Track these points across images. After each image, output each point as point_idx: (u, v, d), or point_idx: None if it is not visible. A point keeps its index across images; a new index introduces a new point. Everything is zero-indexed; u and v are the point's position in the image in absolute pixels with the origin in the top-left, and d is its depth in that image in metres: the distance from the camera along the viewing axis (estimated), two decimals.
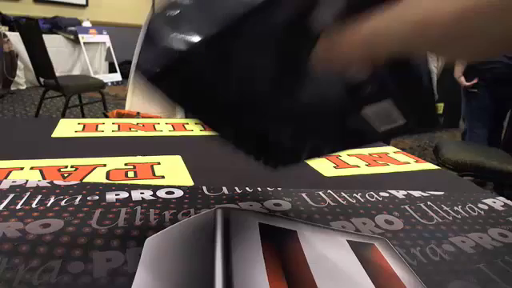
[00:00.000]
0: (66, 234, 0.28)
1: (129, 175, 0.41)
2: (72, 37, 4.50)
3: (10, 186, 0.35)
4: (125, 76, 4.69)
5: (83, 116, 3.11)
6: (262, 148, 0.28)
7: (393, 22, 0.17)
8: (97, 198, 0.35)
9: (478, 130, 2.12)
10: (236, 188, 0.39)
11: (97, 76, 4.16)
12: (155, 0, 4.48)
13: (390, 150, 0.62)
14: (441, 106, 3.70)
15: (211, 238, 0.29)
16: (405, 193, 0.42)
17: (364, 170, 0.50)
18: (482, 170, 1.55)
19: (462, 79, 2.18)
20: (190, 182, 0.40)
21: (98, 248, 0.27)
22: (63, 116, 2.68)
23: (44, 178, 0.39)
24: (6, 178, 0.38)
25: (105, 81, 3.20)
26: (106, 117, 2.58)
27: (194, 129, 0.64)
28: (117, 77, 4.92)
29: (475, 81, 2.11)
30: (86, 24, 4.78)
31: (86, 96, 3.39)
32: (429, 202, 0.40)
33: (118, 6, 5.52)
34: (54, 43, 4.18)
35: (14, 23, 3.90)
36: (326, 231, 0.32)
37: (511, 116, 2.17)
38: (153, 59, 0.20)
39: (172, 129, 0.64)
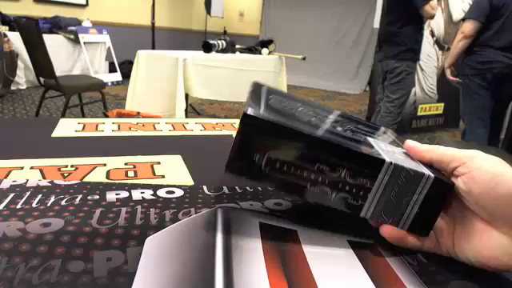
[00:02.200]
0: (66, 234, 0.28)
1: (129, 175, 0.41)
2: (72, 37, 4.49)
3: (10, 186, 0.35)
4: (125, 76, 4.69)
5: (83, 116, 3.11)
6: None
7: None
8: (97, 197, 0.35)
9: (478, 130, 2.12)
10: (236, 187, 0.39)
11: (97, 76, 4.15)
12: (155, 0, 4.44)
13: None
14: (441, 106, 3.70)
15: (212, 237, 0.29)
16: None
17: None
18: None
19: (449, 71, 2.26)
20: (190, 182, 0.40)
21: (99, 247, 0.27)
22: (63, 116, 2.68)
23: (44, 177, 0.39)
24: (6, 177, 0.38)
25: (105, 81, 3.19)
26: (106, 116, 2.58)
27: (193, 128, 0.64)
28: (117, 77, 4.92)
29: (459, 79, 2.21)
30: (86, 24, 4.78)
31: (86, 96, 3.39)
32: None
33: (118, 6, 5.52)
34: (54, 43, 4.18)
35: (13, 23, 3.90)
36: (326, 231, 0.32)
37: (511, 116, 2.17)
38: None
39: (172, 128, 0.64)
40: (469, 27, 2.01)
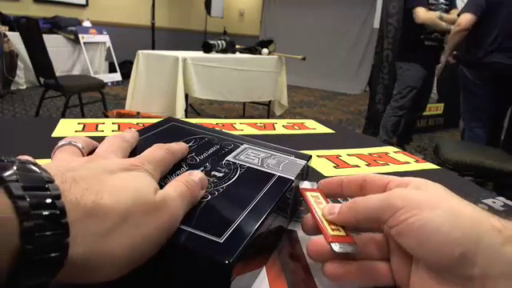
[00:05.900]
0: None
1: None
2: (72, 37, 4.49)
3: None
4: (125, 76, 4.69)
5: (83, 116, 3.11)
6: None
7: None
8: None
9: (477, 130, 2.12)
10: None
11: (97, 76, 4.15)
12: (155, 0, 4.42)
13: (390, 149, 0.62)
14: (441, 106, 3.70)
15: None
16: None
17: (364, 169, 0.50)
18: (482, 170, 1.54)
19: (449, 59, 2.39)
20: None
21: None
22: (63, 116, 2.68)
23: None
24: None
25: (105, 81, 3.19)
26: (106, 117, 2.58)
27: None
28: (117, 77, 4.92)
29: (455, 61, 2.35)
30: (86, 24, 4.78)
31: (86, 96, 3.39)
32: None
33: (118, 6, 5.52)
34: (54, 43, 4.18)
35: (14, 23, 3.90)
36: None
37: (511, 116, 2.17)
38: None
39: None
40: (465, 19, 1.98)
